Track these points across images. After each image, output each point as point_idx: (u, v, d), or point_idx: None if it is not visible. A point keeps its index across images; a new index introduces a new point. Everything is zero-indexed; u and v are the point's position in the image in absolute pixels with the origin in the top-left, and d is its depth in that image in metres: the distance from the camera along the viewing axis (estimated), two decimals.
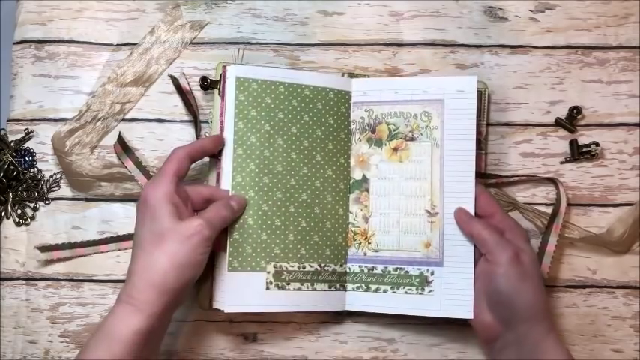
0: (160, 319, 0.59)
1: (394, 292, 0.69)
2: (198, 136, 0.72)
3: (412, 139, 0.70)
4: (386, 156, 0.71)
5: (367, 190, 0.71)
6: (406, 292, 0.69)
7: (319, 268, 0.69)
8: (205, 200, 0.66)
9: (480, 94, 0.72)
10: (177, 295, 0.60)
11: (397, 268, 0.69)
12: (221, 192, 0.67)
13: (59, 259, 0.73)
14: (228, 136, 0.69)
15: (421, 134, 0.70)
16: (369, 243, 0.70)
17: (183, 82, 0.73)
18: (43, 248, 0.72)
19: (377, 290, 0.69)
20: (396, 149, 0.71)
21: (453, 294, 0.67)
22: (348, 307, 0.70)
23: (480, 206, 0.68)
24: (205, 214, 0.63)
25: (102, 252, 0.73)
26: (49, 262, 0.73)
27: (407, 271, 0.69)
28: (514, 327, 0.63)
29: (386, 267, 0.70)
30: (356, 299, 0.70)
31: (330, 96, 0.71)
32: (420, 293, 0.68)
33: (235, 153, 0.68)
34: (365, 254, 0.70)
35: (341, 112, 0.71)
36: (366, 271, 0.70)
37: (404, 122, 0.71)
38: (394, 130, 0.71)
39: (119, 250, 0.73)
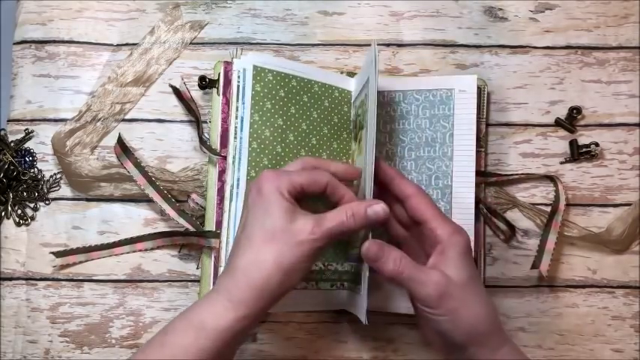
0: (251, 322, 0.56)
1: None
2: (200, 137, 0.72)
3: None
4: None
5: None
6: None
7: (323, 267, 0.68)
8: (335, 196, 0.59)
9: (479, 91, 0.72)
10: (274, 301, 0.56)
11: None
12: (352, 196, 0.60)
13: (74, 264, 0.73)
14: (245, 128, 0.67)
15: None
16: None
17: (184, 91, 0.73)
18: (59, 253, 0.72)
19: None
20: None
21: None
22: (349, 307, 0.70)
23: (416, 213, 0.61)
24: (324, 220, 0.56)
25: (116, 254, 0.73)
26: (64, 267, 0.73)
27: None
28: (461, 353, 0.58)
29: None
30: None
31: (335, 94, 0.71)
32: None
33: (250, 147, 0.67)
34: None
35: (344, 111, 0.71)
36: None
37: None
38: None
39: (134, 252, 0.73)
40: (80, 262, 0.72)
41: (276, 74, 0.68)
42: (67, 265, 0.72)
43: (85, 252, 0.72)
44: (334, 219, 0.57)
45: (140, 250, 0.73)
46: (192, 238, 0.70)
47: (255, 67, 0.67)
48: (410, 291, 0.57)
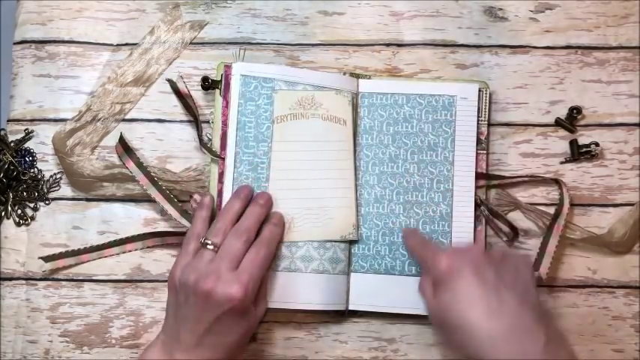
0: None
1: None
2: (200, 137, 0.72)
3: None
4: None
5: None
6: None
7: None
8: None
9: (479, 95, 0.72)
10: None
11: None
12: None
13: (64, 267, 0.72)
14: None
15: None
16: None
17: (181, 86, 0.73)
18: (47, 258, 0.71)
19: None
20: None
21: None
22: (352, 307, 0.70)
23: None
24: (247, 281, 0.62)
25: (106, 256, 0.73)
26: (54, 271, 0.72)
27: None
28: None
29: None
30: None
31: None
32: None
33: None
34: None
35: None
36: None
37: None
38: None
39: (123, 253, 0.73)
40: (70, 266, 0.72)
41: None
42: (57, 270, 0.72)
43: (74, 255, 0.72)
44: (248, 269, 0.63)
45: (130, 251, 0.72)
46: None
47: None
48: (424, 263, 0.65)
